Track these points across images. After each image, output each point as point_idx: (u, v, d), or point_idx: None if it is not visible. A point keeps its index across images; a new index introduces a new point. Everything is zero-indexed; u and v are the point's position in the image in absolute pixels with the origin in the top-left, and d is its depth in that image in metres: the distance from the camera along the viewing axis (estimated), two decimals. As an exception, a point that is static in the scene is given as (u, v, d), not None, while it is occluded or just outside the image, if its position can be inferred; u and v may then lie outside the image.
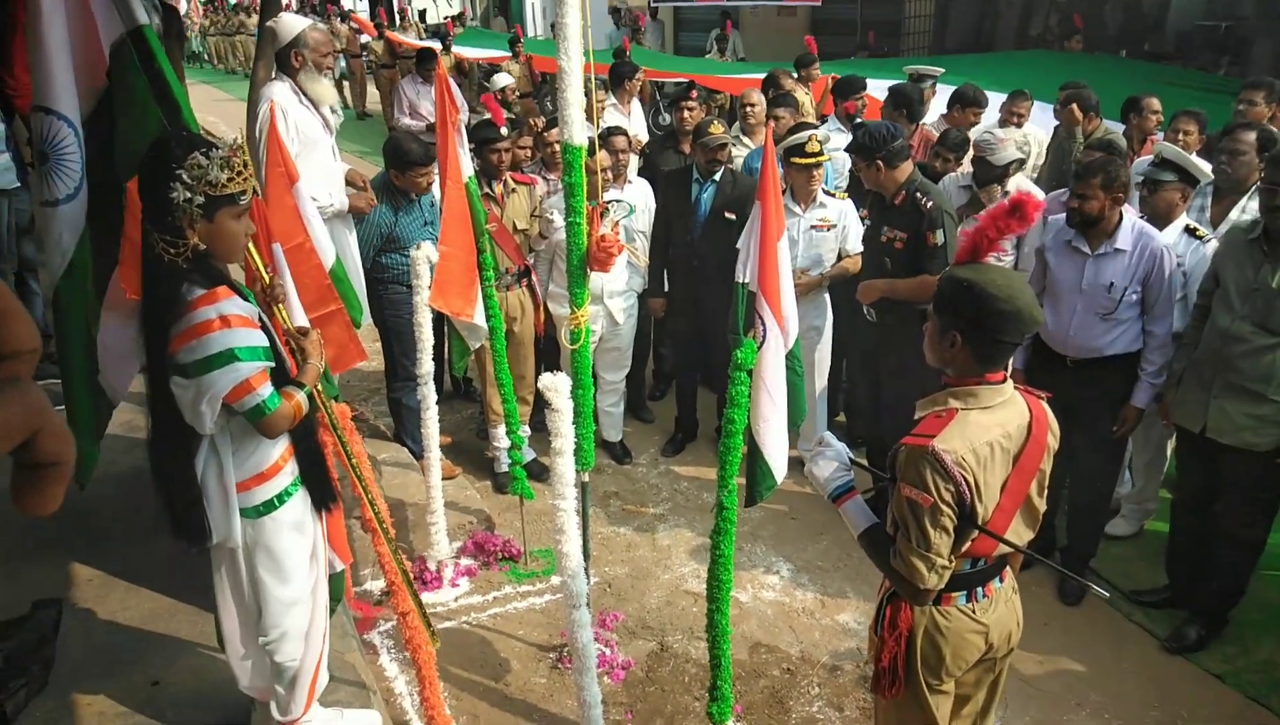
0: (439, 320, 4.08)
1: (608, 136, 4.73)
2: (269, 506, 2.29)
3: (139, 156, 2.16)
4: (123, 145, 2.41)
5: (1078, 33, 10.68)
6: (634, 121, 6.97)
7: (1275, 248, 3.13)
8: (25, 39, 2.40)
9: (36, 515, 0.69)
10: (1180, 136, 4.57)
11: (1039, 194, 4.41)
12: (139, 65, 2.34)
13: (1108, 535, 4.20)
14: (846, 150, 4.56)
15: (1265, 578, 3.81)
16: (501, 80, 8.40)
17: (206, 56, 25.02)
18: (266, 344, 2.19)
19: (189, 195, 2.03)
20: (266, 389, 2.15)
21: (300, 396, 2.27)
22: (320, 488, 2.42)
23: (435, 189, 4.51)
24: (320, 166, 3.99)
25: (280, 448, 2.31)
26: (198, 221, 2.07)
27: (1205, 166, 3.83)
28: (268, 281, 2.45)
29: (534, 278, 4.70)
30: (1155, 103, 5.25)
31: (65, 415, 2.68)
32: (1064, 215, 3.60)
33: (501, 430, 4.50)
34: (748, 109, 5.47)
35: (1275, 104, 5.04)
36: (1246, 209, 3.89)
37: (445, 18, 18.01)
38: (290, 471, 2.33)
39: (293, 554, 2.36)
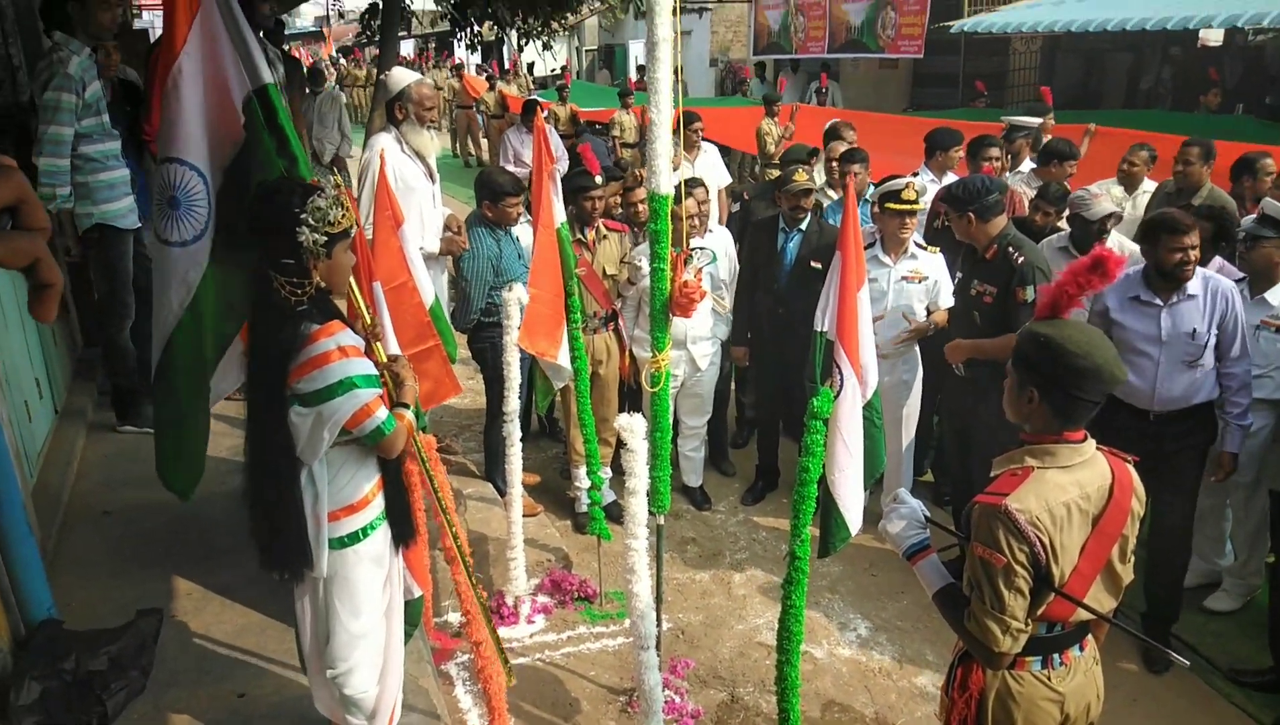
0: (526, 358, 4.20)
1: (688, 188, 4.82)
2: (353, 538, 2.37)
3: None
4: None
5: (1214, 86, 10.17)
6: (699, 168, 7.05)
7: None
8: (161, 94, 2.62)
9: (43, 322, 0.91)
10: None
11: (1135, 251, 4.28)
12: (264, 121, 2.53)
13: (1208, 610, 3.99)
14: (940, 200, 4.52)
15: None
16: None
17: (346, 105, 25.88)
18: (377, 372, 2.32)
19: (315, 236, 2.18)
20: (383, 412, 2.28)
21: (409, 415, 2.41)
22: (402, 524, 2.50)
23: (526, 231, 4.68)
24: (417, 212, 4.19)
25: (372, 482, 2.40)
26: (320, 260, 2.22)
27: None
28: (369, 321, 2.58)
29: (620, 322, 4.79)
30: (1271, 163, 5.02)
31: (166, 443, 2.82)
32: (1123, 274, 3.54)
33: (583, 471, 4.58)
34: (834, 164, 5.49)
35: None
36: None
37: (553, 70, 18.69)
38: (377, 506, 2.42)
39: (368, 587, 2.43)
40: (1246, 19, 8.72)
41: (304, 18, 37.37)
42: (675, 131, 2.75)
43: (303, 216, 2.16)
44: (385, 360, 2.59)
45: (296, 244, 2.17)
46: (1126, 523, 2.02)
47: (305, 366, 2.18)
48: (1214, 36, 12.22)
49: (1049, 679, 2.07)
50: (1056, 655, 2.08)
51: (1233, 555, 4.08)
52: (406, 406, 2.43)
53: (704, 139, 7.49)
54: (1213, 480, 3.63)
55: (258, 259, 2.24)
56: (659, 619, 3.25)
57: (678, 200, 2.90)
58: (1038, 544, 1.90)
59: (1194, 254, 3.40)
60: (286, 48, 8.76)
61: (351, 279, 2.56)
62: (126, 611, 3.14)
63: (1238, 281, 3.70)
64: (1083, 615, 2.02)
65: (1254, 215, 3.78)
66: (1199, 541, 3.89)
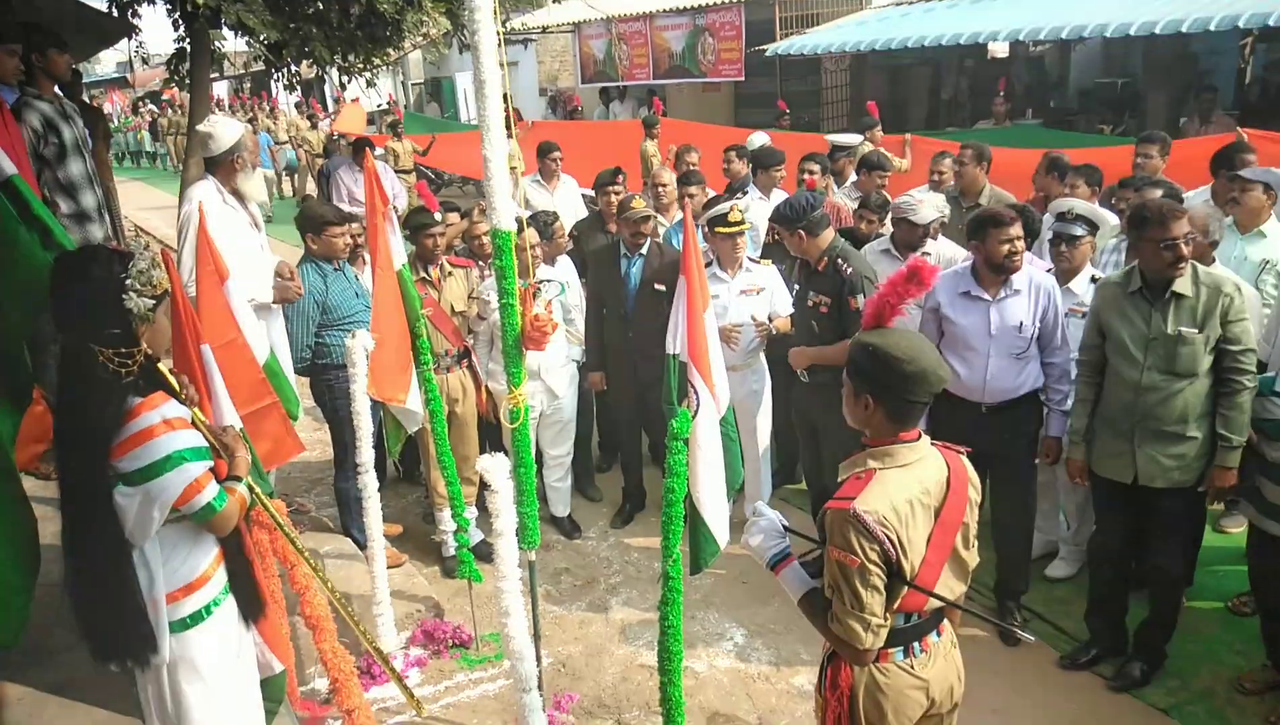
0: (377, 404, 4.08)
1: (551, 224, 4.82)
2: (195, 618, 2.24)
3: (40, 299, 2.18)
4: (14, 294, 2.40)
5: (1000, 95, 11.12)
6: (558, 199, 7.06)
7: (1158, 297, 3.28)
8: None
9: None
10: (1068, 191, 4.83)
11: (962, 255, 4.60)
12: (16, 215, 2.36)
13: (1048, 578, 4.30)
14: (771, 220, 4.72)
15: (1193, 610, 3.95)
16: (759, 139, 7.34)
17: (168, 155, 24.12)
18: (206, 444, 2.20)
19: (142, 302, 2.10)
20: (214, 488, 2.18)
21: (241, 489, 2.31)
22: (248, 596, 2.38)
23: (366, 275, 4.55)
24: (245, 263, 4.00)
25: (210, 557, 2.28)
26: (146, 325, 2.13)
27: (1109, 216, 4.06)
28: (177, 389, 2.44)
29: (474, 359, 4.73)
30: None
31: None
32: (952, 271, 3.82)
33: (447, 513, 4.47)
34: (659, 188, 5.66)
35: (1166, 156, 5.35)
36: None
37: (379, 105, 18.30)
38: (219, 581, 2.30)
39: (218, 667, 2.30)
40: (1026, 33, 9.59)
41: (105, 64, 35.02)
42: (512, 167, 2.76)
43: (128, 282, 2.08)
44: (207, 427, 2.45)
45: (124, 311, 2.08)
46: (966, 511, 2.16)
47: (128, 443, 2.06)
48: (1000, 49, 13.36)
49: (912, 667, 2.18)
50: (916, 644, 2.19)
51: (1066, 525, 4.41)
52: (238, 480, 2.32)
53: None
54: (1045, 462, 3.88)
55: (72, 336, 2.10)
56: (539, 655, 3.21)
57: (519, 231, 2.91)
58: (887, 542, 2.00)
59: (1020, 245, 3.61)
60: (87, 98, 8.21)
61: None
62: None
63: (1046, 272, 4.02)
64: (936, 603, 2.14)
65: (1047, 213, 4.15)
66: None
